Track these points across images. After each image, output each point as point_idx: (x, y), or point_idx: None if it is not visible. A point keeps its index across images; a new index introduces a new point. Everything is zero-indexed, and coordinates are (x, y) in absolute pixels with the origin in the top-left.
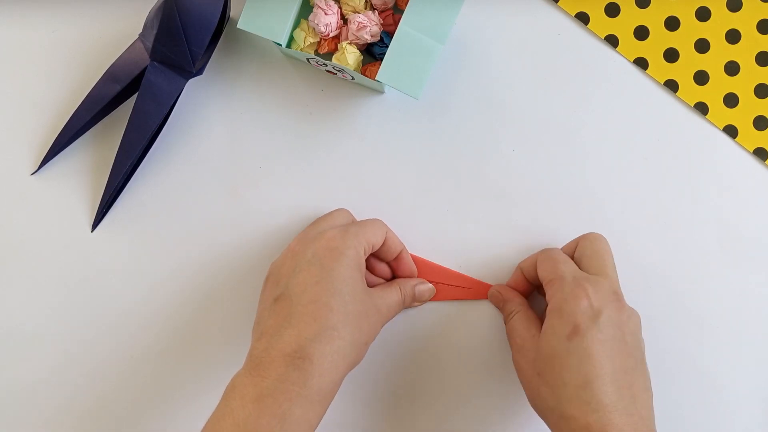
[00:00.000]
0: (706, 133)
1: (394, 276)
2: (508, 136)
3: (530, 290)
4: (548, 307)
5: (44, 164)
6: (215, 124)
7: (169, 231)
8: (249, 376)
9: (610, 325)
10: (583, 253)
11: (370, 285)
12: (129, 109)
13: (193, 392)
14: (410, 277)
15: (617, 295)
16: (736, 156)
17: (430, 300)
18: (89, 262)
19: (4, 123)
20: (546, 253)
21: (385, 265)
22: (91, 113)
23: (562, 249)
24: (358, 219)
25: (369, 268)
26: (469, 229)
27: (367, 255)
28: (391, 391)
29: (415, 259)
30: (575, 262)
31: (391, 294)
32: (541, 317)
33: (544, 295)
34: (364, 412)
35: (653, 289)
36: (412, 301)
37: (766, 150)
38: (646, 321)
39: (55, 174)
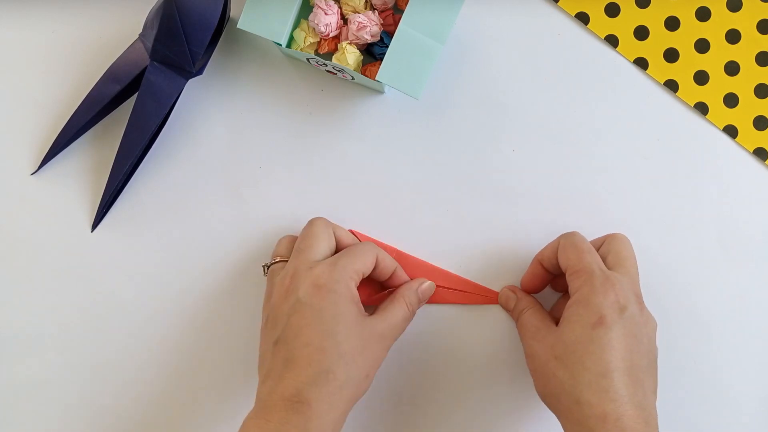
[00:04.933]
0: (706, 133)
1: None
2: (509, 136)
3: (547, 283)
4: (574, 296)
5: (44, 164)
6: (215, 124)
7: (170, 231)
8: (255, 418)
9: (632, 322)
10: (609, 251)
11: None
12: (129, 109)
13: (191, 392)
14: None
15: (639, 297)
16: (736, 156)
17: (430, 297)
18: (89, 262)
19: (4, 123)
20: (569, 238)
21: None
22: (91, 113)
23: None
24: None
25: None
26: (469, 230)
27: (358, 283)
28: (396, 392)
29: (418, 262)
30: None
31: (395, 311)
32: (552, 315)
33: (558, 289)
34: (367, 415)
35: (653, 288)
36: (419, 307)
37: (766, 150)
38: None
39: (55, 174)
